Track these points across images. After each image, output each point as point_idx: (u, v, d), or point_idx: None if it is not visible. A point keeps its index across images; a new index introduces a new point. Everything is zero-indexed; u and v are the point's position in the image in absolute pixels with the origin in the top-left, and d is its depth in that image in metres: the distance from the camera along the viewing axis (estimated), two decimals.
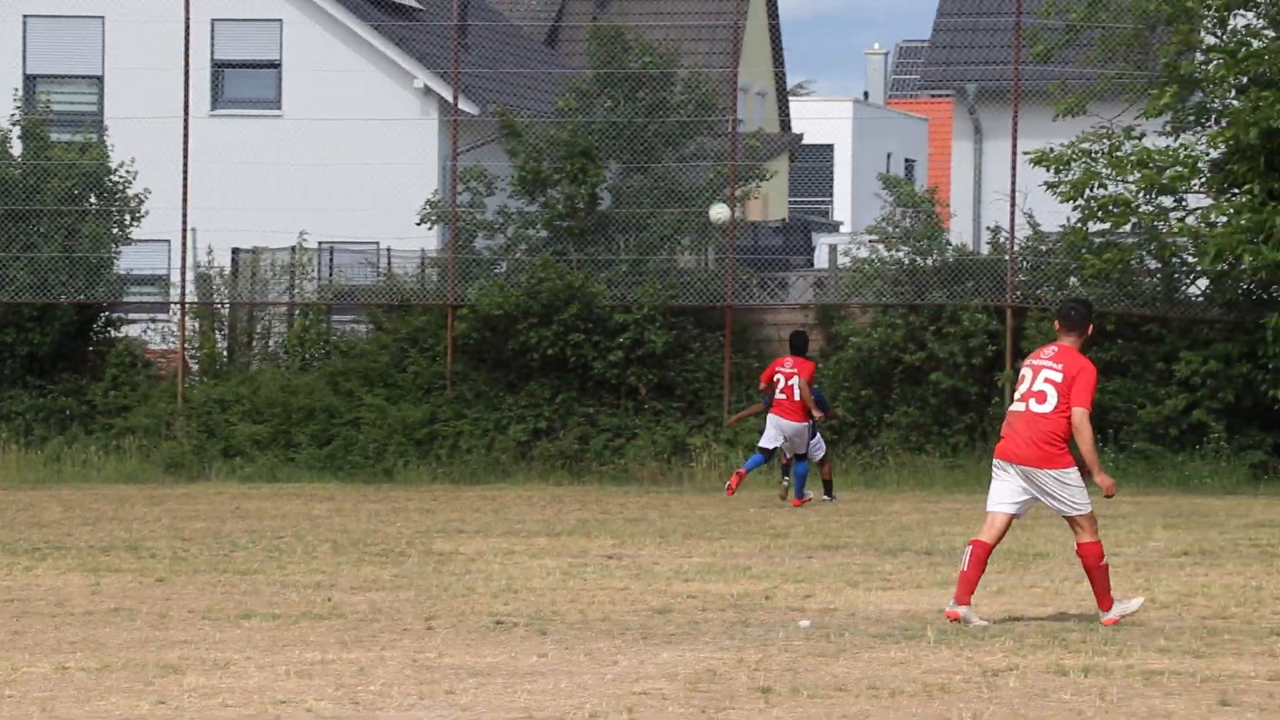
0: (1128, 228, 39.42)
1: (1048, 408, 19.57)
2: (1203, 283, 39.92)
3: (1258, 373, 38.34)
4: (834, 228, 64.80)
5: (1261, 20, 39.98)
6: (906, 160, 74.96)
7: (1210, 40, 40.18)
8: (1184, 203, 39.60)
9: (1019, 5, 41.04)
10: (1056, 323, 20.17)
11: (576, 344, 39.90)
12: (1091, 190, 39.08)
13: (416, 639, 18.70)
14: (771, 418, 34.55)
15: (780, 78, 69.98)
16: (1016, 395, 19.91)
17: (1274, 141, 38.25)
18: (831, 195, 71.71)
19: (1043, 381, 19.63)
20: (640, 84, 42.85)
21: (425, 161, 48.56)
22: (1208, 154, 39.44)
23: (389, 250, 44.20)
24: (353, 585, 22.84)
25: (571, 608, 20.88)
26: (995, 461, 20.14)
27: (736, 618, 20.13)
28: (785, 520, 31.47)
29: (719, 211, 37.72)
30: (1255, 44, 39.50)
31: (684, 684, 16.14)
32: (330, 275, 44.86)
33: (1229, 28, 40.12)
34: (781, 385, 34.40)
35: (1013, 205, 39.81)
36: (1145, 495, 36.09)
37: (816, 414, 34.81)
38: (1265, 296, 39.05)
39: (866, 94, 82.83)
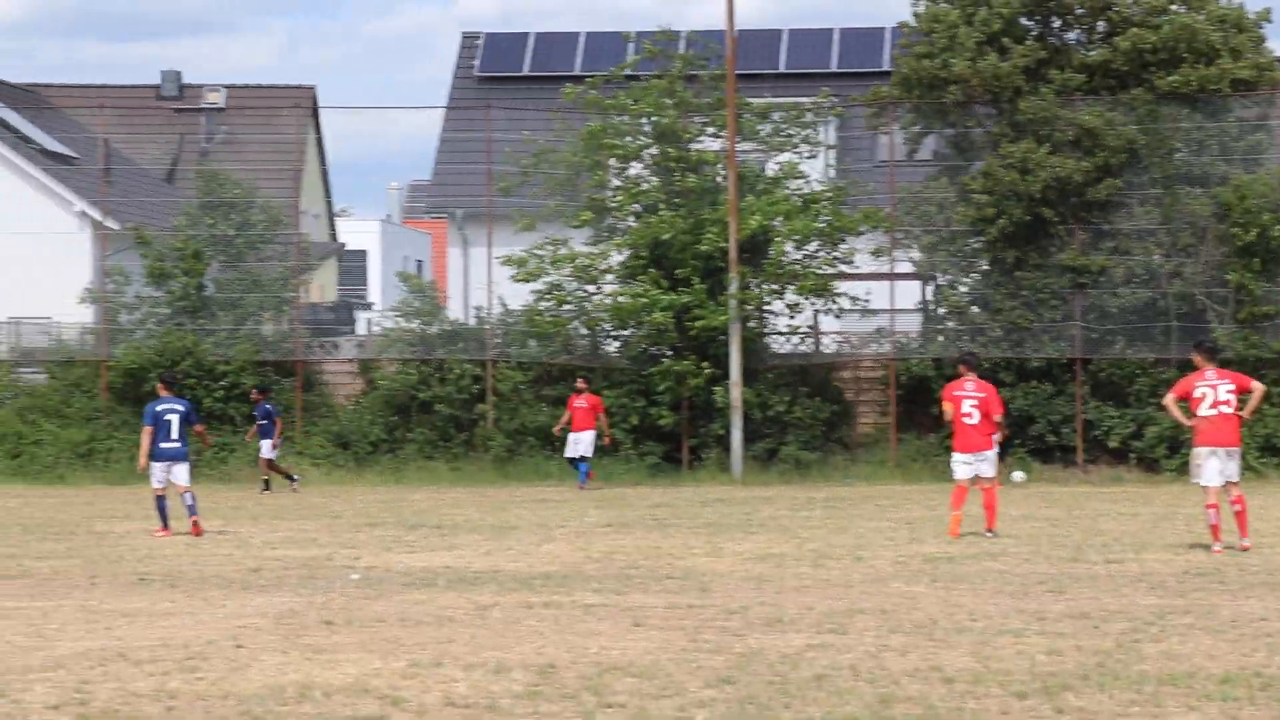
0: (567, 306, 39.86)
1: (1232, 409, 21.37)
2: (616, 344, 40.49)
3: (650, 404, 38.97)
4: (369, 307, 64.56)
5: (647, 170, 40.74)
6: (418, 261, 74.84)
7: (616, 182, 40.82)
8: (601, 289, 40.13)
9: (489, 157, 41.28)
10: (1201, 357, 21.79)
11: (191, 386, 39.24)
12: (540, 280, 39.51)
13: (84, 592, 18.27)
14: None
15: (329, 204, 69.56)
16: (1207, 404, 21.31)
17: (658, 249, 38.97)
18: (367, 284, 71.35)
19: (1225, 393, 21.36)
20: (231, 208, 42.32)
21: (82, 261, 47.45)
22: (615, 257, 40.05)
23: (59, 323, 43.10)
24: (38, 555, 22.24)
25: (192, 568, 20.54)
26: (1206, 450, 21.35)
27: (308, 574, 19.96)
28: (341, 506, 31.23)
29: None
30: (644, 185, 40.26)
31: (273, 620, 15.97)
32: (17, 340, 43.68)
33: (626, 173, 40.83)
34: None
35: (490, 291, 40.02)
36: (584, 486, 36.43)
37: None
38: (655, 353, 39.67)
39: (389, 216, 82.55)
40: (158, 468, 25.05)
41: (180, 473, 25.21)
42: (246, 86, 65.12)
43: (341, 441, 39.45)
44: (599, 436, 36.30)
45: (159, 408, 25.09)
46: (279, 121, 61.04)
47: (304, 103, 60.22)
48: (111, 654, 13.88)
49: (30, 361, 42.16)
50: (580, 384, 36.48)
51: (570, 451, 36.05)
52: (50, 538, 24.83)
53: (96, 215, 46.90)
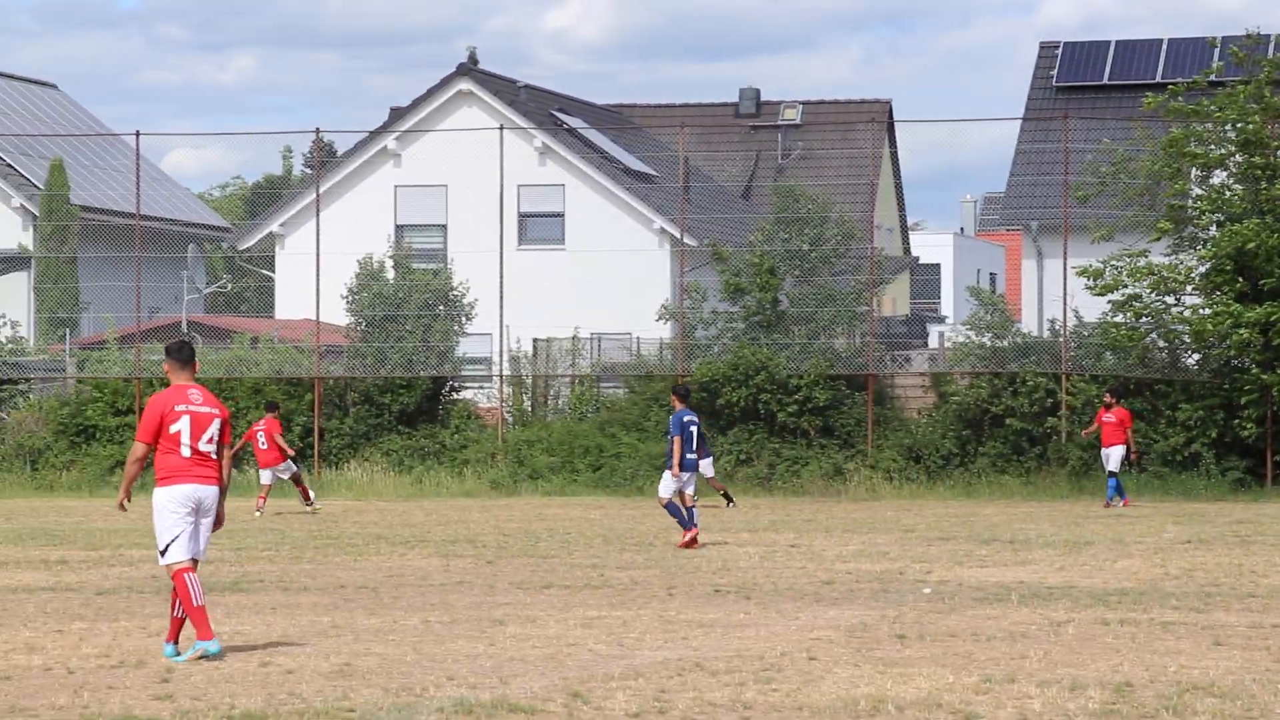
0: (1144, 319, 39.06)
1: None
2: (1195, 356, 39.48)
3: (1232, 418, 37.86)
4: (941, 320, 64.47)
5: (1231, 178, 39.64)
6: (990, 274, 74.42)
7: (1197, 191, 39.83)
8: (1181, 301, 39.21)
9: (1066, 168, 40.79)
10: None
11: (765, 400, 39.84)
12: (1117, 292, 38.81)
13: (662, 602, 18.70)
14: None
15: (903, 217, 69.75)
16: None
17: (1242, 259, 37.85)
18: (939, 298, 71.24)
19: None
20: (806, 223, 42.78)
21: (660, 278, 48.73)
22: (1196, 268, 39.06)
23: (637, 338, 44.31)
24: (618, 566, 22.88)
25: (766, 580, 20.83)
26: None
27: (880, 587, 20.03)
28: (913, 520, 31.26)
29: None
30: (1228, 194, 39.17)
31: (845, 632, 16.07)
32: (598, 355, 45.06)
33: (1208, 182, 39.79)
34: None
35: (1064, 303, 39.50)
36: (1160, 502, 35.63)
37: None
38: (1239, 365, 38.55)
39: (962, 229, 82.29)
40: (683, 478, 25.46)
41: (692, 482, 25.82)
42: (823, 102, 65.83)
43: (913, 455, 39.42)
44: (1127, 452, 35.26)
45: (685, 418, 25.57)
46: (854, 136, 61.51)
47: (879, 117, 60.44)
48: (689, 664, 14.16)
49: (611, 376, 43.43)
50: (1108, 398, 35.58)
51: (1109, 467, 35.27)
52: (630, 548, 25.52)
53: (675, 232, 48.08)
